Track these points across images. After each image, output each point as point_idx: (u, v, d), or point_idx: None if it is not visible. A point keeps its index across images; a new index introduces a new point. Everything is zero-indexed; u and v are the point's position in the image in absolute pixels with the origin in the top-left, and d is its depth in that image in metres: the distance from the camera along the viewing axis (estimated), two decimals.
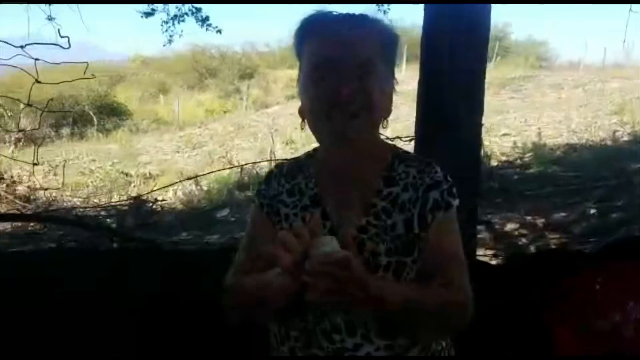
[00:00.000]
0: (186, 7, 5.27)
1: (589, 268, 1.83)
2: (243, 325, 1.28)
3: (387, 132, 1.48)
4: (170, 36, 5.43)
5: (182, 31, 5.46)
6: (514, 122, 12.07)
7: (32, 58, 1.75)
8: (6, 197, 6.72)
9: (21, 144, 7.79)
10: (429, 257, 1.23)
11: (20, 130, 7.68)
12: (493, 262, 3.94)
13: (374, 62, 1.21)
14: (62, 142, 14.98)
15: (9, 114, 9.07)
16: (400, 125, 8.63)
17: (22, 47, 1.69)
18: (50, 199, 7.21)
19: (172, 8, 5.36)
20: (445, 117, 2.05)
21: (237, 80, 20.81)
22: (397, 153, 1.34)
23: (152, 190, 7.32)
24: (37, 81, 1.82)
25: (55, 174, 9.30)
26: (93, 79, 17.96)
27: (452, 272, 1.22)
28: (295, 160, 1.39)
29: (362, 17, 1.26)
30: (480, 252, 4.87)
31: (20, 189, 7.11)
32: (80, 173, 10.63)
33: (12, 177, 7.04)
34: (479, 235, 5.37)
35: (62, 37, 1.72)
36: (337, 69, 1.18)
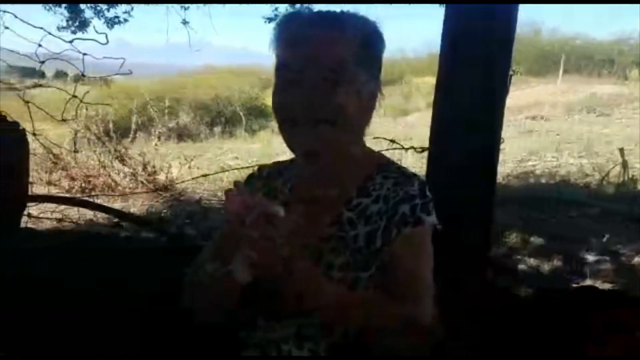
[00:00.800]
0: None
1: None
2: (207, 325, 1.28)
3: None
4: None
5: None
6: None
7: (81, 53, 1.94)
8: (147, 185, 7.47)
9: (163, 138, 8.61)
10: (389, 272, 1.16)
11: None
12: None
13: (346, 66, 1.16)
14: (215, 139, 16.22)
15: (167, 111, 10.03)
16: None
17: (70, 42, 1.88)
18: (184, 189, 7.86)
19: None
20: (459, 128, 1.89)
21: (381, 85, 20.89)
22: (381, 163, 1.28)
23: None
24: (83, 75, 2.02)
25: (197, 167, 10.14)
26: (246, 82, 19.34)
27: (410, 288, 1.14)
28: (279, 164, 1.39)
29: (338, 17, 1.21)
30: (597, 282, 4.40)
31: (160, 178, 7.83)
32: (221, 168, 11.47)
33: (153, 166, 7.79)
34: (601, 267, 4.85)
35: (99, 33, 1.88)
36: (303, 74, 1.15)
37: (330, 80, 1.14)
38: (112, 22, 5.94)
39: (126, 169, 7.60)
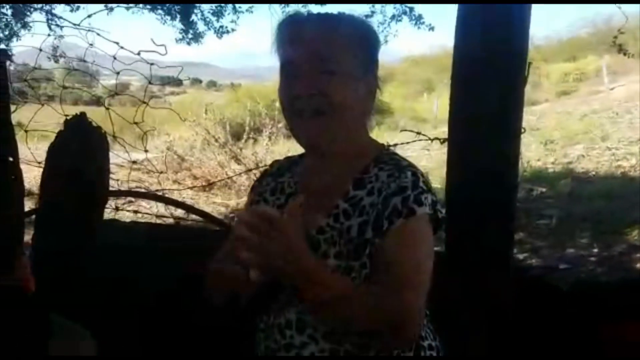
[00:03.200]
0: (401, 6, 5.45)
1: None
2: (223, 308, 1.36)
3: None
4: (385, 37, 5.63)
5: (397, 31, 5.66)
6: None
7: (148, 63, 2.14)
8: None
9: (275, 137, 9.00)
10: (382, 263, 1.18)
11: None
12: None
13: (338, 61, 1.21)
14: None
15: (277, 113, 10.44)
16: None
17: (138, 53, 2.08)
18: None
19: (390, 9, 5.59)
20: (476, 118, 1.80)
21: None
22: (379, 155, 1.30)
23: None
24: (150, 82, 2.23)
25: None
26: None
27: (403, 288, 1.15)
28: (290, 158, 1.44)
29: (334, 17, 1.28)
30: None
31: None
32: None
33: (265, 165, 8.19)
34: None
35: (158, 45, 2.05)
36: (298, 67, 1.22)
37: (326, 73, 1.20)
38: (220, 32, 6.36)
39: (240, 168, 8.07)
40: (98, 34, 2.29)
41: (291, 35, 1.25)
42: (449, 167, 1.86)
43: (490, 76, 1.74)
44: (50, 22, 5.36)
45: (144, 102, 2.14)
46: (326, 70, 1.19)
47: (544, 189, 7.90)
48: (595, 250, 5.26)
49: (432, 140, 2.51)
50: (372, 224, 1.20)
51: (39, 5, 5.22)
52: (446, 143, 2.41)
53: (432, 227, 1.22)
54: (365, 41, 1.26)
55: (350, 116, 1.24)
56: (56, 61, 5.61)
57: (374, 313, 1.13)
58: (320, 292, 1.10)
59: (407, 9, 5.45)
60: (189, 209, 2.47)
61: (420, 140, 2.55)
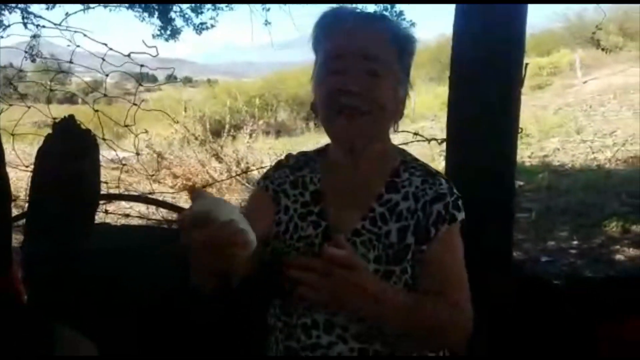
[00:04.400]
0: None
1: None
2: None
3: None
4: None
5: None
6: None
7: (138, 64, 2.12)
8: (240, 181, 7.84)
9: (255, 134, 8.95)
10: (430, 273, 1.21)
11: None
12: None
13: (389, 61, 1.22)
14: (311, 134, 16.58)
15: (257, 110, 10.37)
16: None
17: (128, 55, 2.05)
18: None
19: (370, 5, 5.57)
20: (475, 118, 1.83)
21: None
22: (404, 159, 1.31)
23: None
24: (140, 84, 2.21)
25: None
26: None
27: (455, 292, 1.20)
28: (304, 154, 1.41)
29: (380, 17, 1.31)
30: None
31: (253, 174, 8.17)
32: None
33: (247, 163, 8.15)
34: None
35: (149, 47, 2.02)
36: (351, 61, 1.20)
37: (373, 74, 1.19)
38: (200, 29, 6.29)
39: (221, 166, 8.01)
40: (84, 34, 2.25)
41: (337, 29, 1.23)
42: (447, 167, 1.89)
43: (488, 76, 1.77)
44: (25, 20, 5.22)
45: (135, 104, 2.12)
46: (373, 71, 1.19)
47: (521, 183, 8.01)
48: (576, 242, 5.36)
49: (429, 141, 2.52)
50: (412, 229, 1.22)
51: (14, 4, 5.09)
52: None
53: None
54: (406, 44, 1.26)
55: (388, 118, 1.24)
56: (33, 60, 5.47)
57: (443, 328, 1.17)
58: (386, 312, 1.12)
59: (388, 6, 5.45)
60: (173, 208, 2.45)
61: (413, 139, 2.55)
